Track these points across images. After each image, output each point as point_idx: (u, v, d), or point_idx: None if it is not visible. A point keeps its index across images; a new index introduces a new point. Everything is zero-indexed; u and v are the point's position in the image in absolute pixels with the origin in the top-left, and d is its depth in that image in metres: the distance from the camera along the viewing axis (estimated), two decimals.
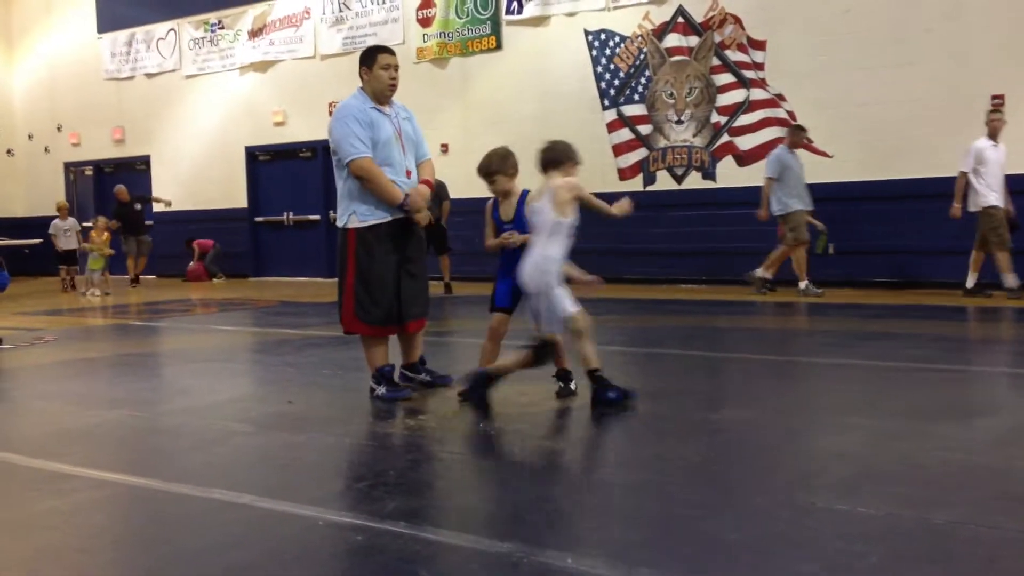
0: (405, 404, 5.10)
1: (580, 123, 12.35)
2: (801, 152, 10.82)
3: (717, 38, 12.09)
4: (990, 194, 9.62)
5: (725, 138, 12.15)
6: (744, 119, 12.00)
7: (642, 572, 2.66)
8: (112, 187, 16.53)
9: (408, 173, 5.25)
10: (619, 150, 12.81)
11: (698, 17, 12.20)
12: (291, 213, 16.17)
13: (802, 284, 10.49)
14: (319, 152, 15.40)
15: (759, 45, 11.81)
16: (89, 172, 19.08)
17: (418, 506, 3.38)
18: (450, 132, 13.80)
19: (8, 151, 19.92)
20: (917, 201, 10.75)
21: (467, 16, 13.94)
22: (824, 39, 11.31)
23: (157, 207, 16.45)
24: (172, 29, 17.36)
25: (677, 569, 2.71)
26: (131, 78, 18.00)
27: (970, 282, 9.86)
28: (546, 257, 4.76)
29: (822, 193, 10.63)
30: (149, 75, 17.74)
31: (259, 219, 16.58)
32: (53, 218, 15.62)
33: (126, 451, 4.49)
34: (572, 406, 5.01)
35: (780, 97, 11.69)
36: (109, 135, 18.38)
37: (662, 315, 9.35)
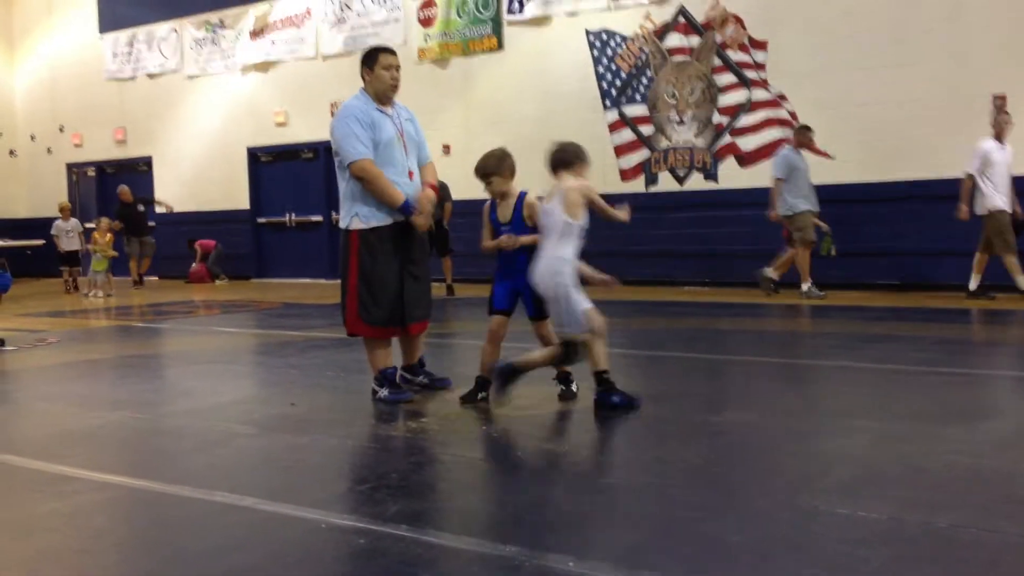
0: (407, 406, 5.10)
1: (581, 123, 12.34)
2: (804, 153, 10.80)
3: (718, 38, 12.09)
4: (997, 196, 9.60)
5: (727, 139, 12.14)
6: (746, 120, 11.99)
7: (643, 575, 2.66)
8: (114, 188, 16.57)
9: (410, 174, 5.25)
10: (621, 151, 12.81)
11: (699, 17, 12.20)
12: (293, 214, 16.17)
13: (804, 286, 10.47)
14: (321, 153, 15.40)
15: (760, 45, 11.81)
16: (91, 173, 19.10)
17: (420, 509, 3.38)
18: (451, 132, 13.80)
19: (10, 152, 19.94)
20: (918, 202, 10.74)
21: (468, 16, 13.94)
22: (825, 39, 11.31)
23: (159, 210, 16.46)
24: (174, 29, 17.37)
25: (678, 571, 2.71)
26: (133, 78, 18.02)
27: (973, 284, 9.84)
28: (558, 258, 4.77)
29: (823, 194, 10.62)
30: (151, 75, 17.75)
31: (261, 220, 16.58)
32: (55, 219, 15.64)
33: (128, 453, 4.49)
34: (574, 409, 5.01)
35: (782, 97, 11.68)
36: (111, 136, 18.39)
37: (663, 317, 9.34)
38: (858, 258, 11.06)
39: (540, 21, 13.34)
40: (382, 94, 5.26)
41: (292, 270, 16.13)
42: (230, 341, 8.57)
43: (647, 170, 12.70)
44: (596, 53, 12.92)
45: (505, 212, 5.14)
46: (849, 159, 11.08)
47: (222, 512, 3.39)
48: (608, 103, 12.89)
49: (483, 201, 5.29)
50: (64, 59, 19.00)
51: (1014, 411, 5.03)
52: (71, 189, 19.17)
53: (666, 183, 12.58)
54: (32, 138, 19.77)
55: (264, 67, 16.24)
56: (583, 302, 4.74)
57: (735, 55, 12.00)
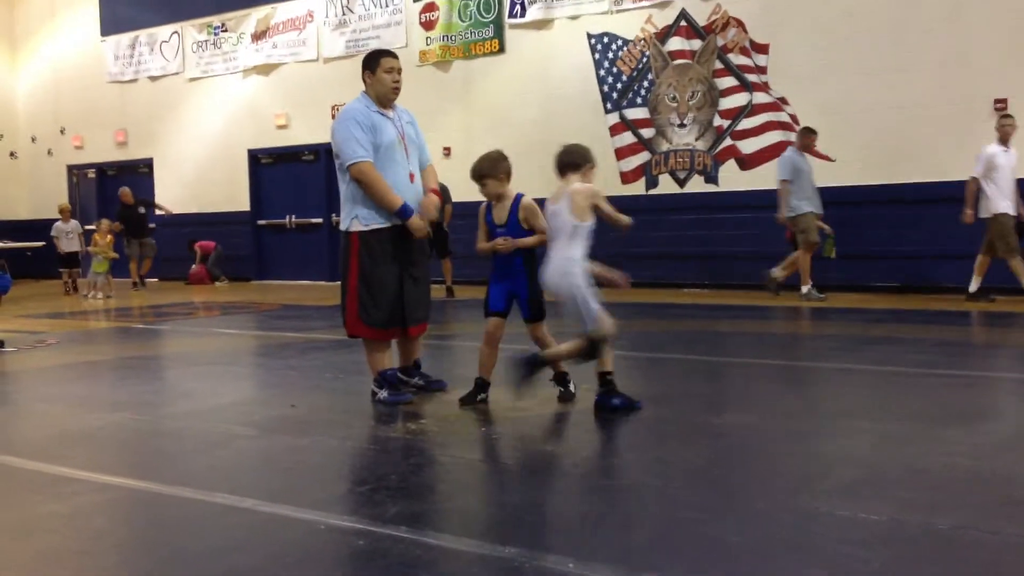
0: (407, 408, 5.10)
1: (583, 126, 12.34)
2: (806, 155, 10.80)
3: (720, 41, 12.09)
4: (1001, 200, 9.60)
5: (728, 142, 12.15)
6: (747, 123, 11.99)
7: None
8: (115, 190, 16.57)
9: (411, 176, 5.26)
10: (621, 153, 12.81)
11: (700, 20, 12.20)
12: (293, 216, 16.18)
13: (804, 288, 10.47)
14: (322, 155, 15.41)
15: (762, 48, 11.81)
16: (92, 175, 19.11)
17: (420, 510, 3.37)
18: (452, 135, 13.81)
19: (11, 153, 19.95)
20: (918, 205, 10.75)
21: (470, 19, 13.95)
22: (826, 43, 11.32)
23: (158, 213, 16.47)
24: (175, 32, 17.39)
25: (679, 573, 2.70)
26: (134, 81, 18.03)
27: (973, 286, 9.84)
28: (567, 259, 4.78)
29: (824, 197, 10.62)
30: (152, 78, 17.77)
31: (261, 222, 16.59)
32: (56, 221, 15.64)
33: (128, 454, 4.49)
34: (574, 410, 5.01)
35: (783, 100, 11.69)
36: (112, 138, 18.41)
37: (664, 319, 9.34)
38: (858, 260, 11.07)
39: (541, 24, 13.35)
40: (383, 97, 5.27)
41: (292, 272, 16.13)
42: (230, 343, 8.57)
43: (648, 173, 12.70)
44: (597, 56, 12.93)
45: (501, 214, 5.14)
46: (850, 162, 11.08)
47: (222, 513, 3.38)
48: (609, 106, 12.90)
49: (483, 203, 5.29)
50: (66, 61, 19.02)
51: (1014, 413, 5.03)
52: (72, 191, 19.18)
53: (667, 186, 12.59)
54: (33, 140, 19.79)
55: (265, 70, 16.26)
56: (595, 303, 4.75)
57: (736, 58, 12.00)
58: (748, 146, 11.99)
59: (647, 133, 12.69)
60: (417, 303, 5.30)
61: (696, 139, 12.37)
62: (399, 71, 5.31)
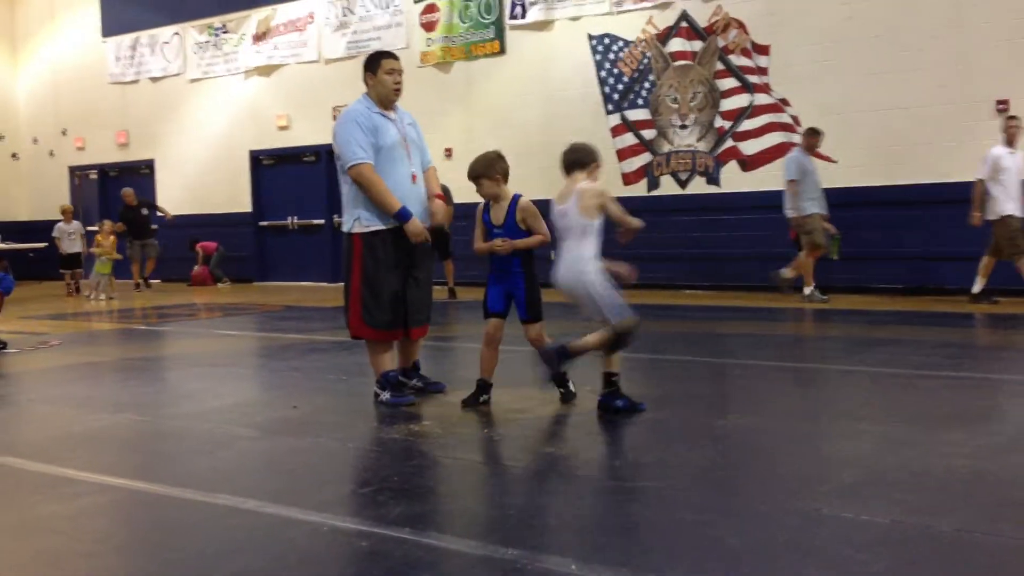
0: (409, 409, 5.10)
1: (584, 127, 12.32)
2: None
3: (721, 43, 12.09)
4: (1007, 202, 9.60)
5: (729, 143, 12.15)
6: (748, 124, 11.99)
7: None
8: (116, 191, 16.58)
9: (413, 177, 5.26)
10: (623, 155, 12.81)
11: (701, 22, 12.20)
12: (295, 217, 16.18)
13: (807, 290, 10.46)
14: (323, 156, 15.40)
15: (763, 50, 11.81)
16: (93, 176, 19.11)
17: (422, 511, 3.38)
18: (453, 136, 13.81)
19: (13, 155, 19.96)
20: (921, 206, 10.74)
21: (471, 21, 13.95)
22: (827, 44, 11.31)
23: (159, 215, 16.47)
24: (176, 33, 17.40)
25: (681, 574, 2.71)
26: (135, 82, 18.04)
27: (976, 287, 9.83)
28: (579, 258, 4.79)
29: (826, 198, 10.61)
30: (153, 79, 17.77)
31: (263, 223, 16.59)
32: (57, 222, 15.64)
33: (130, 455, 4.50)
34: (576, 412, 5.01)
35: (784, 102, 11.69)
36: (113, 139, 18.42)
37: (666, 320, 9.33)
38: (861, 262, 11.06)
39: (542, 25, 13.35)
40: (385, 98, 5.28)
41: (294, 273, 16.13)
42: (232, 344, 8.57)
43: (649, 174, 12.70)
44: (598, 57, 12.93)
45: (498, 214, 5.14)
46: (852, 163, 11.08)
47: (224, 515, 3.39)
48: (610, 107, 12.90)
49: (481, 203, 5.30)
50: (67, 62, 19.03)
51: (1016, 415, 5.03)
52: (73, 192, 19.18)
53: (668, 187, 12.58)
54: (34, 141, 19.80)
55: (266, 71, 16.27)
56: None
57: (737, 59, 12.00)
58: (749, 147, 11.98)
59: (648, 134, 12.69)
60: (419, 305, 5.31)
61: (697, 140, 12.37)
62: (400, 72, 5.32)
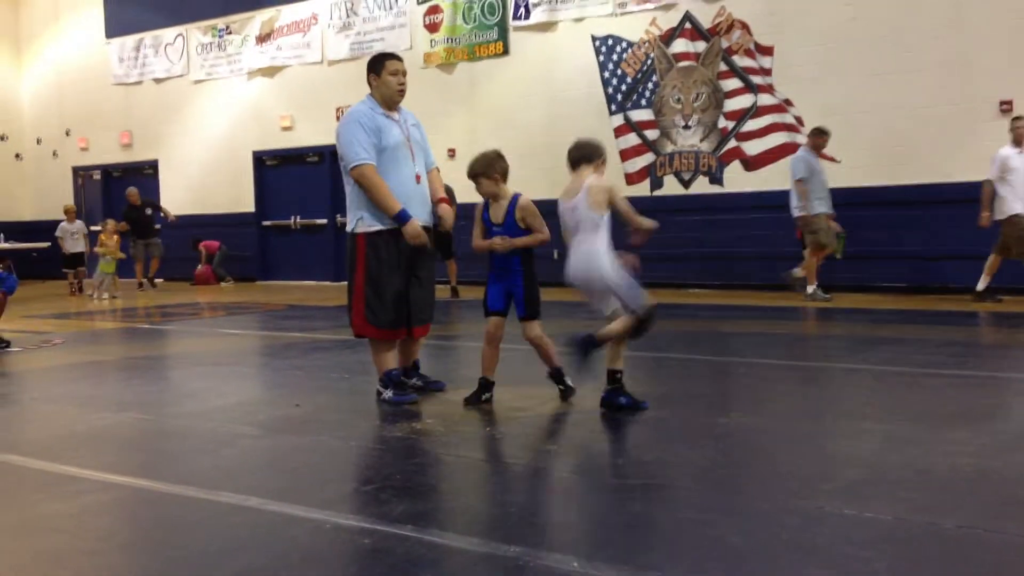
0: (411, 408, 5.11)
1: (587, 128, 12.22)
2: None
3: (724, 44, 12.09)
4: (1015, 202, 9.60)
5: (732, 143, 12.15)
6: (751, 124, 11.99)
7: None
8: (120, 192, 16.61)
9: (417, 178, 5.27)
10: (626, 155, 12.81)
11: (705, 23, 12.20)
12: (298, 217, 16.20)
13: (810, 289, 10.46)
14: (326, 157, 15.41)
15: (766, 51, 11.81)
16: (97, 176, 19.15)
17: (425, 509, 3.38)
18: (457, 137, 13.81)
19: (16, 155, 20.00)
20: (924, 206, 10.74)
21: (474, 22, 13.96)
22: (830, 44, 11.31)
23: (163, 215, 16.50)
24: (180, 34, 17.42)
25: (683, 573, 2.70)
26: (139, 83, 18.07)
27: (981, 285, 9.82)
28: (591, 251, 4.80)
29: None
30: (157, 80, 17.80)
31: (266, 223, 16.62)
32: (61, 222, 15.66)
33: (133, 454, 4.50)
34: (577, 409, 5.01)
35: (787, 102, 11.68)
36: (117, 139, 18.45)
37: (669, 319, 9.30)
38: (864, 261, 11.06)
39: (546, 27, 13.36)
40: (389, 100, 5.29)
41: (297, 272, 16.16)
42: (235, 343, 8.58)
43: (652, 174, 12.70)
44: (602, 58, 12.93)
45: (497, 213, 5.14)
46: (855, 163, 11.07)
47: (227, 513, 3.39)
48: (614, 108, 12.90)
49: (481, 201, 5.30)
50: (71, 63, 19.07)
51: (1019, 413, 5.02)
52: (77, 193, 19.22)
53: (671, 187, 12.58)
54: (38, 142, 19.83)
55: (270, 72, 16.29)
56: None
57: (741, 60, 12.00)
58: (753, 147, 11.98)
59: (652, 135, 12.69)
60: (422, 304, 5.32)
61: (701, 140, 12.37)
62: (404, 74, 5.33)
